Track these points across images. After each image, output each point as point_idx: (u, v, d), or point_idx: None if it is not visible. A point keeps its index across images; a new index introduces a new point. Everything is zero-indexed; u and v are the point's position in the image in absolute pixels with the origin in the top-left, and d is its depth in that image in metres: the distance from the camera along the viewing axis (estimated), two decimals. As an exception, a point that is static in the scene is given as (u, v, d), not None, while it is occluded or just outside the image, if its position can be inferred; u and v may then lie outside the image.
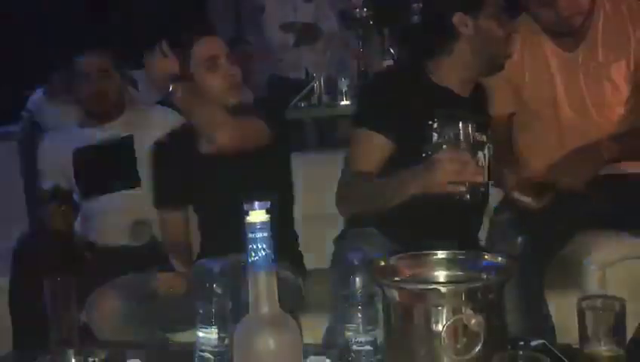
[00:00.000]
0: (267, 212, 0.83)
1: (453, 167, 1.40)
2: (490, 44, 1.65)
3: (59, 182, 2.16)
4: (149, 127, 2.08)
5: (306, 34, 3.57)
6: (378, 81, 1.85)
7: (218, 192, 1.82)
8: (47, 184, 2.17)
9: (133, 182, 2.11)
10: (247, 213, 0.83)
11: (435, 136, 1.64)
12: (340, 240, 1.78)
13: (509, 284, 1.00)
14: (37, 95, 3.00)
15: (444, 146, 1.47)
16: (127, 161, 2.13)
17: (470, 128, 1.45)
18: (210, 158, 1.80)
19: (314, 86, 2.96)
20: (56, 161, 2.18)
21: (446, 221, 1.62)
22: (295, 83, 3.22)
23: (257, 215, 0.82)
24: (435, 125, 1.64)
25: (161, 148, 1.91)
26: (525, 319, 1.43)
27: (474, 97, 1.73)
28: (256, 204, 0.83)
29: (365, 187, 1.63)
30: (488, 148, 1.70)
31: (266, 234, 0.82)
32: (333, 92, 2.92)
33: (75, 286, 1.35)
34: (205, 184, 1.83)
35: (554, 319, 1.53)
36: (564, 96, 1.80)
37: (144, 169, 2.05)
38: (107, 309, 1.60)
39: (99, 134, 2.17)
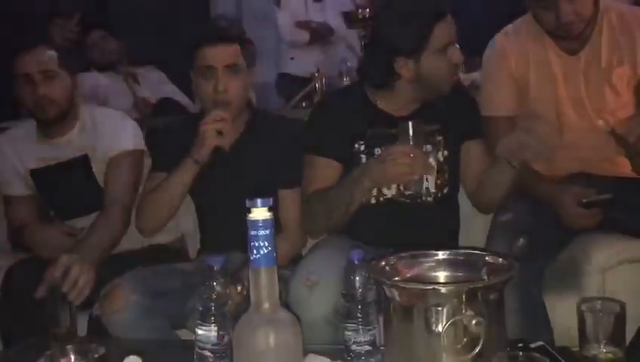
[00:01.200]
0: (269, 210, 0.83)
1: (404, 159, 1.46)
2: (433, 79, 1.65)
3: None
4: (105, 150, 1.94)
5: (320, 33, 3.59)
6: (321, 105, 1.89)
7: (219, 187, 1.83)
8: (12, 191, 2.01)
9: (98, 205, 1.91)
10: (249, 211, 0.83)
11: (363, 158, 1.70)
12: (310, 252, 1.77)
13: (508, 286, 1.00)
14: None
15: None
16: (87, 183, 1.96)
17: (419, 127, 1.51)
18: (217, 151, 1.80)
19: (315, 85, 2.96)
20: (14, 168, 2.01)
21: (406, 224, 1.68)
22: (305, 82, 3.23)
23: (260, 212, 0.82)
24: (362, 147, 1.69)
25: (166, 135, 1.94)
26: (524, 321, 1.43)
27: (418, 112, 1.72)
28: (259, 201, 0.83)
29: (323, 199, 1.65)
30: (436, 154, 1.71)
31: (268, 232, 0.82)
32: (343, 86, 2.92)
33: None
34: (207, 178, 1.82)
35: (554, 322, 1.53)
36: (566, 99, 1.81)
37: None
38: (120, 303, 1.60)
39: (54, 150, 1.96)
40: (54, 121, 1.94)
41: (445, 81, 1.67)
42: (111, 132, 1.97)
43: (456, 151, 1.76)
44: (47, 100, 1.88)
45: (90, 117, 2.00)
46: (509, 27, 1.89)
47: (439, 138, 1.72)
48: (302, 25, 3.61)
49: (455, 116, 1.75)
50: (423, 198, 1.69)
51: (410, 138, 1.49)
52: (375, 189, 1.68)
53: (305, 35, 3.63)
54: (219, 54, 1.76)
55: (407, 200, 1.70)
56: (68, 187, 1.95)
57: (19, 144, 2.03)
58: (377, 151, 1.67)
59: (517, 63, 1.82)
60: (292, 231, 1.78)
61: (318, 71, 3.08)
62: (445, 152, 1.73)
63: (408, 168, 1.48)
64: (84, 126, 1.98)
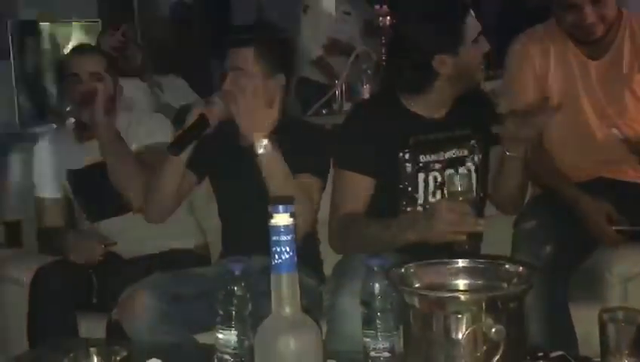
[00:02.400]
0: (291, 215, 0.84)
1: (452, 217, 1.41)
2: (469, 70, 1.66)
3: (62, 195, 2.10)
4: (142, 138, 2.02)
5: (333, 50, 3.62)
6: (353, 117, 1.85)
7: (243, 191, 1.83)
8: (47, 193, 2.10)
9: (127, 207, 1.98)
10: (271, 216, 0.84)
11: (408, 167, 1.67)
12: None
13: (533, 294, 1.00)
14: None
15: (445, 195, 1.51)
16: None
17: (466, 175, 1.50)
18: (241, 156, 1.81)
19: (335, 92, 2.97)
20: (50, 170, 2.11)
21: None
22: (324, 88, 3.25)
23: (281, 218, 0.83)
24: (407, 155, 1.67)
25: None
26: (549, 330, 1.42)
27: (452, 114, 1.72)
28: (281, 207, 0.84)
29: (361, 231, 1.62)
30: (473, 159, 1.70)
31: (289, 237, 0.83)
32: (354, 99, 2.93)
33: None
34: (231, 182, 1.84)
35: (576, 331, 1.51)
36: (587, 103, 1.81)
37: None
38: (139, 308, 1.61)
39: (91, 151, 2.02)
40: (94, 120, 1.96)
41: (479, 70, 1.68)
42: (146, 129, 2.05)
43: (487, 153, 1.76)
44: (91, 96, 1.95)
45: (126, 118, 2.09)
46: (531, 30, 1.90)
47: (473, 142, 1.71)
48: (329, 48, 3.63)
49: (482, 119, 1.75)
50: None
51: (458, 189, 1.45)
52: (422, 197, 1.67)
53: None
54: (230, 57, 1.78)
55: None
56: (103, 187, 1.99)
57: (56, 147, 2.12)
58: (422, 158, 1.66)
59: (540, 65, 1.83)
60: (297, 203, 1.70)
61: (338, 78, 3.10)
62: (480, 156, 1.72)
63: (457, 227, 1.43)
64: (120, 128, 2.04)
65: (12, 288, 2.07)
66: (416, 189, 1.67)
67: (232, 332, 1.23)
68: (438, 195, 1.68)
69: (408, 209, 1.67)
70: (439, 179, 1.68)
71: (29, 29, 4.68)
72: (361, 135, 1.71)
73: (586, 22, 1.68)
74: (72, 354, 1.27)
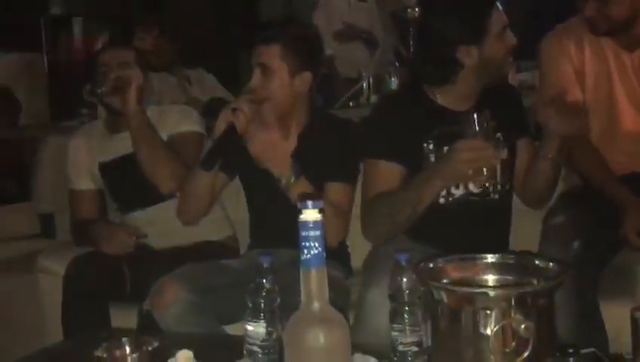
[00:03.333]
0: (320, 211, 0.85)
1: (470, 154, 1.45)
2: (494, 63, 1.65)
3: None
4: (171, 127, 2.07)
5: (346, 36, 3.58)
6: (380, 107, 1.86)
7: (272, 186, 1.83)
8: (79, 186, 2.15)
9: (160, 197, 2.03)
10: (300, 212, 0.85)
11: (431, 157, 1.67)
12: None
13: (562, 290, 0.99)
14: None
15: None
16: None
17: (483, 117, 1.48)
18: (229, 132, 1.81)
19: (363, 85, 2.96)
20: (83, 164, 2.16)
21: (469, 223, 1.65)
22: (347, 82, 3.23)
23: (310, 213, 0.84)
24: (431, 146, 1.67)
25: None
26: (578, 326, 1.40)
27: (477, 107, 1.69)
28: (310, 202, 0.84)
29: (388, 202, 1.63)
30: (503, 150, 1.68)
31: (318, 233, 0.83)
32: (382, 92, 2.92)
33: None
34: (260, 177, 1.85)
35: (608, 328, 1.49)
36: (622, 95, 1.78)
37: None
38: (170, 299, 1.64)
39: (123, 141, 2.06)
40: (122, 112, 2.01)
41: (505, 64, 1.69)
42: (175, 118, 2.10)
43: (512, 147, 1.75)
44: (121, 81, 1.99)
45: (155, 110, 2.12)
46: (564, 24, 1.87)
47: (498, 134, 1.69)
48: (342, 34, 3.58)
49: (508, 113, 1.74)
50: (491, 196, 1.68)
51: (476, 130, 1.47)
52: (445, 189, 1.66)
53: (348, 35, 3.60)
54: (255, 53, 1.78)
55: (477, 198, 1.68)
56: (134, 178, 2.03)
57: (88, 140, 2.17)
58: (445, 149, 1.64)
59: (576, 58, 1.80)
60: (331, 215, 1.71)
61: (360, 71, 3.08)
62: (505, 151, 1.70)
63: (476, 163, 1.47)
64: (149, 118, 2.07)
65: (47, 278, 2.13)
66: None
67: (261, 324, 1.25)
68: (462, 188, 1.67)
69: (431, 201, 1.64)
70: None
71: (62, 24, 4.76)
72: (388, 125, 1.72)
73: (586, 14, 1.68)
74: (104, 344, 1.30)
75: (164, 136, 2.05)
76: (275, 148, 1.82)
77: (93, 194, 2.17)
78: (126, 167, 2.07)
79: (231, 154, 1.81)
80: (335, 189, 1.79)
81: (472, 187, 1.66)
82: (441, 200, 1.67)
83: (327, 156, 1.79)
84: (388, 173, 1.69)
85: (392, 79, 2.86)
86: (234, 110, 1.74)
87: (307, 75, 1.81)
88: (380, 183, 1.69)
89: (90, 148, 2.16)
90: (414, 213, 1.60)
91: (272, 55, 1.77)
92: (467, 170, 1.48)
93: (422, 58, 1.72)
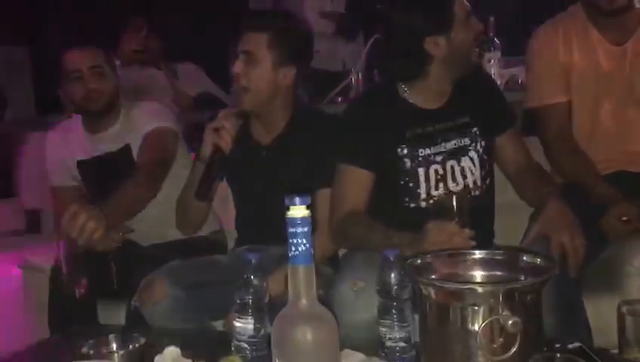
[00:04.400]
0: (308, 207, 0.84)
1: (441, 237, 1.40)
2: (463, 51, 1.63)
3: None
4: (145, 123, 2.02)
5: (347, 24, 3.55)
6: (351, 110, 1.81)
7: (257, 184, 1.84)
8: (59, 182, 2.13)
9: None
10: (288, 208, 0.84)
11: (407, 162, 1.65)
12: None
13: (547, 285, 0.99)
14: None
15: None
16: (130, 173, 1.98)
17: (463, 199, 1.46)
18: (256, 148, 1.82)
19: (351, 80, 2.95)
20: (61, 160, 2.12)
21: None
22: (332, 76, 3.22)
23: (298, 210, 0.83)
24: (406, 150, 1.65)
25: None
26: (562, 321, 1.41)
27: (450, 103, 1.69)
28: (297, 199, 0.84)
29: (365, 236, 1.59)
30: (476, 147, 1.67)
31: (306, 229, 0.83)
32: (370, 86, 2.91)
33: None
34: (245, 174, 1.84)
35: (594, 323, 1.50)
36: (608, 90, 1.78)
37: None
38: (158, 295, 1.64)
39: (101, 140, 2.06)
40: (101, 114, 2.04)
41: (473, 52, 1.67)
42: (145, 119, 2.05)
43: (491, 140, 1.73)
44: (95, 93, 1.99)
45: (130, 110, 2.09)
46: (552, 19, 1.88)
47: (474, 129, 1.69)
48: (327, 15, 3.54)
49: (485, 105, 1.72)
50: (472, 193, 1.66)
51: (453, 212, 1.42)
52: (424, 192, 1.65)
53: (331, 26, 3.57)
54: (241, 40, 1.75)
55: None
56: (113, 177, 1.99)
57: (68, 137, 2.13)
58: (420, 152, 1.64)
59: (563, 53, 1.81)
60: (326, 231, 1.72)
61: (344, 65, 3.07)
62: (483, 142, 1.69)
63: (447, 246, 1.36)
64: (126, 119, 2.07)
65: (32, 274, 2.11)
66: (417, 184, 1.65)
67: (249, 320, 1.24)
68: (441, 188, 1.65)
69: (412, 205, 1.65)
70: (440, 172, 1.65)
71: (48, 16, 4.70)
72: (359, 128, 1.68)
73: None
74: (91, 341, 1.29)
75: (139, 138, 2.01)
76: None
77: (73, 190, 2.13)
78: (107, 167, 2.05)
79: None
80: (326, 196, 1.73)
81: (451, 186, 1.65)
82: (422, 204, 1.66)
83: (313, 158, 1.76)
84: (359, 179, 1.66)
85: (376, 73, 2.84)
86: (216, 130, 1.71)
87: (291, 70, 1.76)
88: (351, 190, 1.66)
89: (68, 145, 2.12)
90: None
91: (259, 43, 1.72)
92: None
93: (390, 54, 1.69)
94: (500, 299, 0.95)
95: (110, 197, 1.83)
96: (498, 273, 1.08)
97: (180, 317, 1.64)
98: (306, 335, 0.81)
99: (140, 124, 2.04)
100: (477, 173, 1.67)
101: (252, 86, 1.73)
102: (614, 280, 1.59)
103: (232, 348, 1.26)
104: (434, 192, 1.66)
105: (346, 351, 1.15)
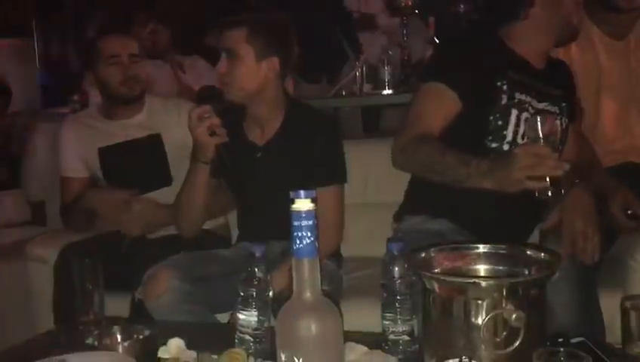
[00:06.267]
0: (312, 201, 0.85)
1: (530, 161, 1.29)
2: (563, 7, 1.61)
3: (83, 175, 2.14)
4: (171, 117, 2.09)
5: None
6: (455, 38, 1.80)
7: (256, 182, 1.83)
8: (72, 173, 2.15)
9: (167, 181, 2.07)
10: (292, 202, 0.84)
11: (504, 98, 1.60)
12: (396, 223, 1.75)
13: (565, 280, 0.99)
14: None
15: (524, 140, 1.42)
16: (159, 160, 2.09)
17: (550, 120, 1.36)
18: (251, 149, 1.82)
19: (355, 74, 2.95)
20: (76, 151, 2.15)
21: (519, 212, 1.56)
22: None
23: (303, 203, 0.84)
24: (505, 87, 1.60)
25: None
26: (577, 317, 1.40)
27: (548, 70, 1.69)
28: (302, 192, 0.84)
29: (435, 158, 1.49)
30: (562, 119, 1.65)
31: (310, 223, 0.83)
32: (374, 81, 2.91)
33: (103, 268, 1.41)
34: (244, 172, 1.84)
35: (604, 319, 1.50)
36: (611, 84, 1.78)
37: (174, 167, 2.05)
38: (162, 288, 1.63)
39: (122, 127, 2.10)
40: (131, 101, 2.10)
41: (576, 9, 1.63)
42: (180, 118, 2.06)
43: (570, 122, 1.72)
44: (133, 80, 2.07)
45: (155, 102, 2.16)
46: None
47: (564, 104, 1.67)
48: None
49: (569, 90, 1.72)
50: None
51: (539, 136, 1.32)
52: (510, 134, 1.59)
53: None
54: (220, 38, 1.74)
55: None
56: (133, 165, 2.06)
57: (81, 127, 2.16)
58: (517, 95, 1.60)
59: (562, 50, 1.80)
60: (326, 229, 1.69)
61: (358, 58, 3.06)
62: (566, 119, 1.67)
63: (536, 171, 1.29)
64: (152, 110, 2.12)
65: (37, 266, 2.12)
66: (506, 125, 1.59)
67: (253, 312, 1.25)
68: (527, 139, 1.48)
69: (493, 145, 1.58)
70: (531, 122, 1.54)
71: (53, 6, 4.69)
72: (462, 53, 1.63)
73: None
74: (96, 332, 1.30)
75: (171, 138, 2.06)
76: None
77: (85, 181, 2.16)
78: (126, 154, 2.08)
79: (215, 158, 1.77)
80: (327, 195, 1.72)
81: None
82: (505, 147, 1.59)
83: (309, 158, 1.74)
84: (443, 99, 1.58)
85: (386, 68, 2.85)
86: (212, 135, 1.70)
87: (274, 60, 1.73)
88: (430, 110, 1.58)
89: (84, 135, 2.14)
90: (450, 183, 1.45)
91: (238, 39, 1.72)
92: (525, 179, 1.30)
93: None
94: (504, 293, 0.95)
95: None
96: (502, 267, 1.08)
97: (183, 310, 1.64)
98: (310, 327, 0.81)
99: (172, 124, 2.07)
100: (562, 190, 1.54)
101: (237, 82, 1.73)
102: (618, 276, 1.59)
103: (236, 341, 1.26)
104: (519, 140, 1.59)
105: (349, 343, 1.15)
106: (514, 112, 1.59)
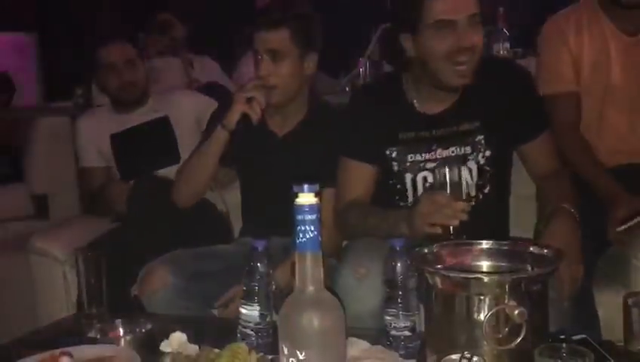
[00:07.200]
0: (316, 195, 0.85)
1: (429, 208, 1.34)
2: (432, 62, 1.48)
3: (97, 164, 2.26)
4: (181, 109, 2.23)
5: None
6: (352, 103, 1.75)
7: (268, 173, 1.83)
8: (89, 163, 2.28)
9: (176, 158, 2.18)
10: (296, 196, 0.84)
11: (394, 165, 1.60)
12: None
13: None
14: None
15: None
16: (168, 139, 2.21)
17: (455, 170, 1.37)
18: (271, 137, 1.82)
19: (359, 70, 2.94)
20: (92, 142, 2.27)
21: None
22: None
23: (306, 197, 0.83)
24: (394, 154, 1.60)
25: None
26: (572, 314, 1.40)
27: (460, 105, 1.57)
28: (306, 186, 0.84)
29: (359, 218, 1.57)
30: (477, 157, 1.58)
31: (314, 217, 0.83)
32: (378, 76, 2.90)
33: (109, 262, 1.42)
34: (257, 163, 1.84)
35: (601, 316, 1.50)
36: (620, 80, 1.77)
37: (181, 148, 2.16)
38: (158, 284, 1.64)
39: (132, 118, 2.24)
40: (133, 103, 2.25)
41: (448, 69, 1.47)
42: (181, 96, 2.32)
43: (503, 149, 1.61)
44: (130, 85, 2.21)
45: (158, 94, 2.32)
46: (564, 10, 1.87)
47: (479, 137, 1.57)
48: None
49: (510, 110, 1.57)
50: (478, 198, 1.59)
51: (444, 183, 1.35)
52: (411, 196, 1.60)
53: None
54: (261, 40, 1.71)
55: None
56: (141, 145, 2.21)
57: (97, 120, 2.31)
58: (410, 157, 1.59)
59: (574, 42, 1.79)
60: (333, 228, 1.69)
61: (362, 55, 3.05)
62: (487, 152, 1.58)
63: (435, 219, 1.33)
64: (155, 101, 2.27)
65: (40, 260, 2.12)
66: (404, 188, 1.61)
67: (255, 307, 1.25)
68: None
69: (402, 204, 1.62)
70: (430, 180, 1.57)
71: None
72: (358, 122, 1.64)
73: None
74: (98, 325, 1.30)
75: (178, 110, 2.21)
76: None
77: (102, 170, 2.27)
78: (136, 136, 2.22)
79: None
80: (332, 195, 1.69)
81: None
82: (410, 205, 1.59)
83: (324, 156, 1.72)
84: (359, 173, 1.63)
85: (388, 64, 2.84)
86: (248, 100, 1.69)
87: (315, 56, 1.73)
88: (353, 183, 1.63)
89: (100, 127, 2.26)
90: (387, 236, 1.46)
91: (282, 39, 1.68)
92: (425, 225, 1.34)
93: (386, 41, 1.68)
94: (506, 289, 0.95)
95: None
96: (504, 263, 1.08)
97: (179, 305, 1.64)
98: (312, 321, 0.81)
99: (176, 97, 2.28)
100: (473, 183, 1.58)
101: (281, 83, 1.72)
102: (621, 273, 1.58)
103: (238, 335, 1.27)
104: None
105: (351, 339, 1.16)
106: (408, 176, 1.60)
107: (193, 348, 1.20)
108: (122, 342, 1.25)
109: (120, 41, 2.26)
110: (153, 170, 2.17)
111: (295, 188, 0.84)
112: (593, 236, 1.55)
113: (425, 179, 1.59)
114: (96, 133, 2.26)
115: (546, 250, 1.06)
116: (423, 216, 1.34)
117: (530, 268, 1.04)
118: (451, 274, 1.02)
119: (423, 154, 1.59)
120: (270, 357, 1.13)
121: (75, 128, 2.35)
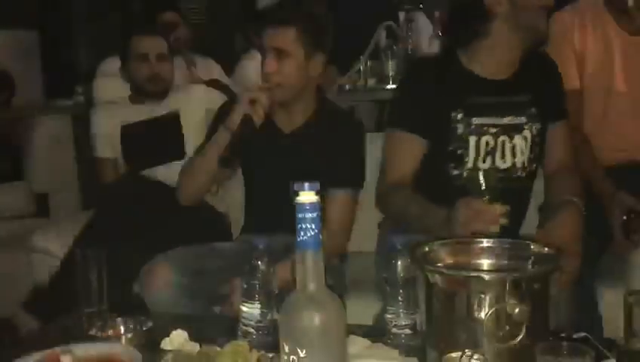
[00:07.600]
0: (316, 193, 0.85)
1: (468, 216, 1.35)
2: (529, 16, 1.53)
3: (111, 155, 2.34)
4: (193, 104, 2.31)
5: None
6: (409, 76, 1.77)
7: (272, 171, 1.83)
8: (103, 153, 2.38)
9: (180, 154, 2.22)
10: (297, 194, 0.84)
11: (460, 127, 1.61)
12: (383, 223, 1.78)
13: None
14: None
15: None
16: (174, 135, 2.26)
17: (491, 175, 1.42)
18: (277, 135, 1.82)
19: (360, 69, 2.94)
20: (105, 133, 2.36)
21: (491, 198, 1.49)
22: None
23: (307, 195, 0.83)
24: (460, 115, 1.60)
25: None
26: (575, 313, 1.40)
27: (516, 76, 1.64)
28: (306, 185, 0.84)
29: (402, 209, 1.58)
30: (531, 127, 1.63)
31: (315, 215, 0.83)
32: (379, 75, 2.90)
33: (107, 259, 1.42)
34: (262, 161, 1.84)
35: (603, 314, 1.50)
36: (622, 78, 1.77)
37: (189, 144, 2.19)
38: (159, 282, 1.64)
39: (146, 111, 2.33)
40: (156, 95, 2.35)
41: (541, 15, 1.55)
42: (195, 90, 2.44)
43: (547, 125, 1.67)
44: (159, 77, 2.33)
45: (174, 90, 2.41)
46: (569, 6, 1.87)
47: (533, 110, 1.63)
48: None
49: (548, 88, 1.67)
50: (518, 173, 1.63)
51: (482, 189, 1.38)
52: (471, 162, 1.61)
53: None
54: (268, 37, 1.71)
55: (502, 175, 1.61)
56: (149, 139, 2.28)
57: (113, 113, 2.39)
58: (474, 120, 1.60)
59: (578, 40, 1.80)
60: (336, 232, 1.73)
61: (362, 55, 3.05)
62: (538, 125, 1.65)
63: (473, 226, 1.34)
64: (172, 96, 2.38)
65: (41, 258, 2.12)
66: (466, 152, 1.61)
67: (256, 305, 1.25)
68: (488, 162, 1.60)
69: (455, 172, 1.61)
70: (491, 144, 1.61)
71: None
72: (415, 94, 1.65)
73: None
74: (99, 324, 1.30)
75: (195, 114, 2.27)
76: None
77: (115, 161, 2.37)
78: (144, 129, 2.29)
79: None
80: (340, 198, 1.73)
81: (499, 162, 1.61)
82: (465, 173, 1.62)
83: (329, 157, 1.73)
84: (409, 145, 1.63)
85: (390, 63, 2.84)
86: (252, 101, 1.69)
87: (321, 57, 1.74)
88: (401, 157, 1.63)
89: (114, 120, 2.35)
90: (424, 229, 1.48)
91: (288, 38, 1.69)
92: (465, 232, 1.34)
93: (452, 15, 1.65)
94: (507, 287, 0.95)
95: None
96: (505, 261, 1.08)
97: (181, 303, 1.65)
98: (313, 320, 0.82)
99: (190, 92, 2.38)
100: (526, 154, 1.63)
101: (285, 81, 1.72)
102: (621, 272, 1.58)
103: (239, 333, 1.27)
104: (481, 164, 1.61)
105: (352, 337, 1.16)
106: (472, 139, 1.61)
107: (194, 346, 1.20)
108: (123, 339, 1.25)
109: (155, 35, 2.37)
110: (156, 164, 2.20)
111: (296, 187, 0.84)
112: (597, 234, 1.55)
113: (487, 143, 1.61)
114: (112, 124, 2.33)
115: (547, 248, 1.06)
116: (463, 224, 1.35)
117: (530, 266, 1.04)
118: (452, 272, 1.02)
119: (486, 118, 1.61)
120: (271, 355, 1.13)
121: (92, 119, 2.42)
